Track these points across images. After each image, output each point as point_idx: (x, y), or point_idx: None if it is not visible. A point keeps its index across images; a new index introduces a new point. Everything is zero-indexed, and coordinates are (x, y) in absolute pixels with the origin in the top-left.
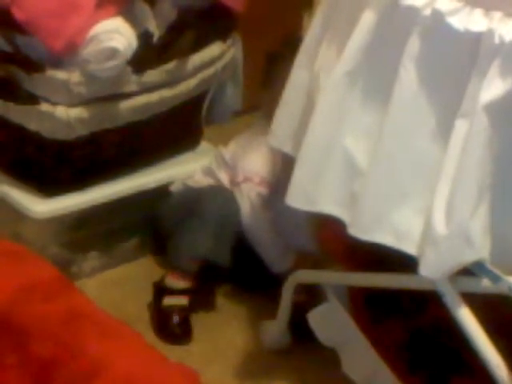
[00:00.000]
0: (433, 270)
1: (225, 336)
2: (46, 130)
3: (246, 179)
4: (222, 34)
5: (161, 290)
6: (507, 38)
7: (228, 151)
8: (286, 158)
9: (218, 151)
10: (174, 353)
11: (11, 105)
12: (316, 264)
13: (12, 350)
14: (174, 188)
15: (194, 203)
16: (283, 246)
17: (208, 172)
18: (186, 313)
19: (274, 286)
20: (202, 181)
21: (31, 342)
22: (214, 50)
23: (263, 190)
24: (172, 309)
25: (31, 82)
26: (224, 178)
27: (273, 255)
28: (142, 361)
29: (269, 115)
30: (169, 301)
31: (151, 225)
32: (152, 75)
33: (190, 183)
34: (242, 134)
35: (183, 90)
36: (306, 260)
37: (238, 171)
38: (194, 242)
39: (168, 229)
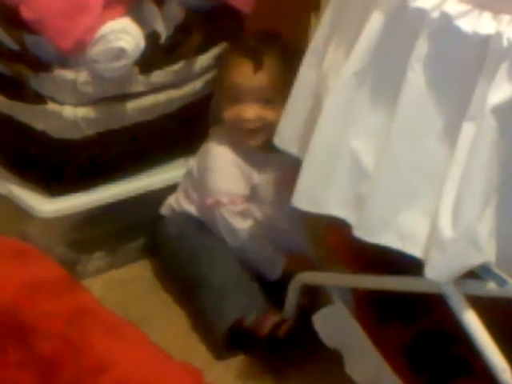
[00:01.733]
0: (438, 272)
1: None
2: (52, 130)
3: (216, 202)
4: (230, 36)
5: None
6: None
7: (195, 165)
8: (256, 164)
9: (188, 165)
10: (178, 353)
11: (18, 104)
12: (310, 265)
13: (18, 347)
14: (164, 211)
15: (195, 267)
16: (271, 253)
17: (184, 191)
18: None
19: (278, 289)
20: (184, 206)
21: (37, 340)
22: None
23: (235, 206)
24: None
25: (38, 82)
26: (196, 198)
27: (263, 265)
28: (146, 360)
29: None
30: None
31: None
32: (159, 76)
33: (176, 207)
34: (204, 145)
35: (190, 90)
36: (298, 262)
37: (205, 193)
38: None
39: (167, 259)
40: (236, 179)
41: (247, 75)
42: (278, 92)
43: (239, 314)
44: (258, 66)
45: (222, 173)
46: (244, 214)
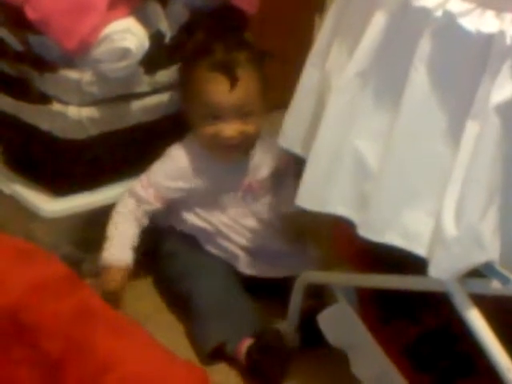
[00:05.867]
0: (442, 271)
1: None
2: (57, 130)
3: (140, 188)
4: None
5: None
6: None
7: None
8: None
9: None
10: (182, 352)
11: (23, 104)
12: None
13: (22, 347)
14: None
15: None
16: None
17: None
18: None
19: (281, 290)
20: None
21: (42, 340)
22: None
23: (149, 205)
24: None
25: (43, 82)
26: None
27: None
28: (151, 359)
29: None
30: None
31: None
32: (163, 75)
33: None
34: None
35: None
36: None
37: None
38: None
39: (161, 273)
40: (172, 184)
41: (224, 93)
42: (256, 102)
43: (220, 340)
44: (234, 82)
45: (164, 171)
46: (149, 214)
